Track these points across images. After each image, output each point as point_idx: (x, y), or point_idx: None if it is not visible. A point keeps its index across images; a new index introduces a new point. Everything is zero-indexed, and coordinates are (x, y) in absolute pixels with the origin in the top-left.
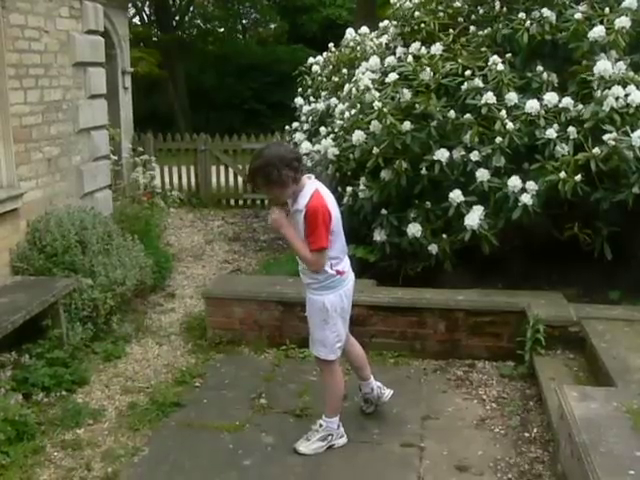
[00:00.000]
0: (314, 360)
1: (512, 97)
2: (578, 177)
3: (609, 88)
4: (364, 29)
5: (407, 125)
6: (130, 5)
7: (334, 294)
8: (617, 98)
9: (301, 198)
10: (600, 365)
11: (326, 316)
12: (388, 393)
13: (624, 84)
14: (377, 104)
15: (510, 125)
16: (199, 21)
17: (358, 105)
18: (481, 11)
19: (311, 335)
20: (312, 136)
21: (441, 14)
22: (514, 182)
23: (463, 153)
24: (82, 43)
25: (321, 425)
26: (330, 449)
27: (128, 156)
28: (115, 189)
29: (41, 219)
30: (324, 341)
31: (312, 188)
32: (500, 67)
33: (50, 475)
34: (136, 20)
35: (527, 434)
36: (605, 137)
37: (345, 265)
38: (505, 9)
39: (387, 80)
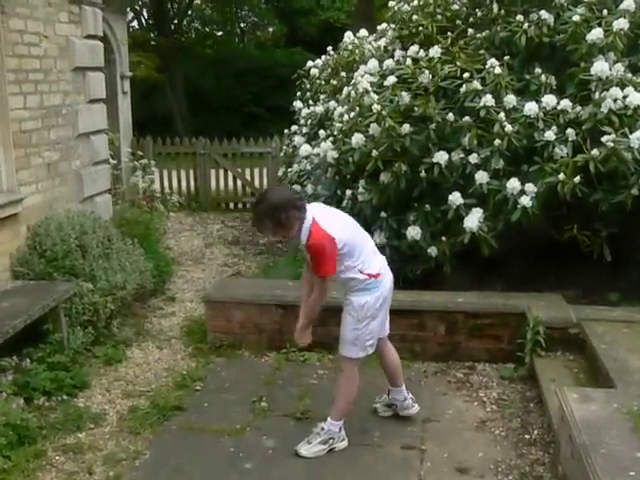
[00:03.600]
0: (338, 360)
1: (511, 99)
2: (577, 179)
3: (607, 90)
4: (362, 32)
5: (406, 128)
6: (128, 9)
7: (371, 295)
8: (615, 100)
9: (302, 234)
10: (600, 366)
11: (360, 316)
12: (416, 408)
13: (622, 86)
14: (376, 107)
15: (509, 127)
16: (197, 25)
17: (357, 108)
18: (479, 14)
19: (342, 336)
20: (311, 139)
21: (439, 17)
22: (513, 184)
23: (462, 155)
24: (81, 48)
25: (323, 428)
26: (331, 452)
27: (127, 160)
28: (115, 193)
29: (41, 224)
30: (355, 340)
31: (309, 221)
32: (498, 70)
33: (52, 479)
34: (134, 24)
35: (528, 436)
36: (604, 139)
37: (377, 267)
38: (503, 12)
39: (386, 83)
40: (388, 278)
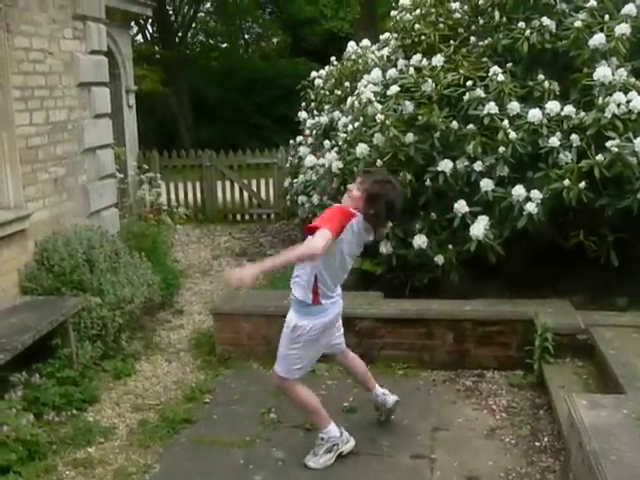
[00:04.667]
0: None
1: (514, 106)
2: (582, 184)
3: (611, 95)
4: (365, 42)
5: (410, 137)
6: (133, 23)
7: (309, 321)
8: (619, 105)
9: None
10: (609, 372)
11: (292, 337)
12: (392, 400)
13: (625, 90)
14: (380, 117)
15: (513, 134)
16: (202, 37)
17: (361, 118)
18: (481, 22)
19: (278, 349)
20: (316, 149)
21: (441, 26)
22: (518, 191)
23: (467, 163)
24: (86, 63)
25: (322, 438)
26: (341, 460)
27: (134, 174)
28: (121, 207)
29: (49, 239)
30: (284, 359)
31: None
32: (501, 77)
33: None
34: (139, 38)
35: (538, 443)
36: (608, 144)
37: (328, 298)
38: (505, 19)
39: (389, 92)
40: (332, 312)
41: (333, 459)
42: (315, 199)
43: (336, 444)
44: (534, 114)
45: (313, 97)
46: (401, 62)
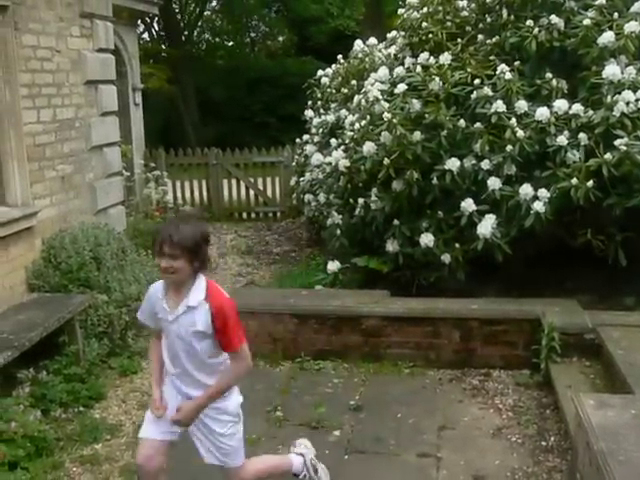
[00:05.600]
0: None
1: (522, 105)
2: (590, 183)
3: (619, 93)
4: (372, 40)
5: (417, 135)
6: (139, 22)
7: (236, 391)
8: (628, 103)
9: (194, 292)
10: (617, 372)
11: (238, 419)
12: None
13: (634, 89)
14: (387, 115)
15: (520, 133)
16: (208, 35)
17: (368, 116)
18: (489, 19)
19: (225, 454)
20: (323, 148)
21: (449, 24)
22: (526, 190)
23: (474, 162)
24: (93, 61)
25: (304, 475)
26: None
27: (140, 172)
28: (128, 205)
29: (56, 236)
30: (239, 446)
31: (202, 278)
32: (509, 75)
33: None
34: (145, 36)
35: (544, 443)
36: (616, 142)
37: None
38: (513, 17)
39: (396, 91)
40: None
41: (320, 467)
42: (322, 197)
43: (306, 461)
44: (542, 112)
45: (320, 95)
46: (408, 60)
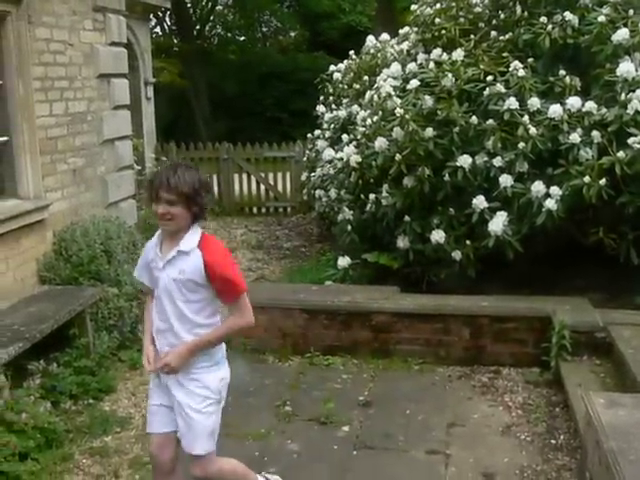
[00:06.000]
0: (194, 466)
1: (535, 102)
2: (603, 181)
3: (633, 91)
4: (385, 36)
5: (429, 131)
6: (151, 16)
7: (224, 367)
8: None
9: (188, 240)
10: (627, 371)
11: (221, 396)
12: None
13: None
14: (399, 111)
15: (533, 130)
16: (220, 30)
17: (380, 112)
18: (502, 16)
19: (195, 431)
20: (334, 143)
21: (462, 20)
22: (538, 187)
23: (486, 159)
24: (106, 55)
25: None
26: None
27: (151, 165)
28: (139, 199)
29: (67, 229)
30: (213, 430)
31: (198, 229)
32: (522, 72)
33: None
34: (157, 30)
35: (554, 441)
36: (630, 140)
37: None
38: (526, 13)
39: (409, 87)
40: None
41: None
42: (333, 193)
43: None
44: (555, 110)
45: (331, 91)
46: (421, 56)
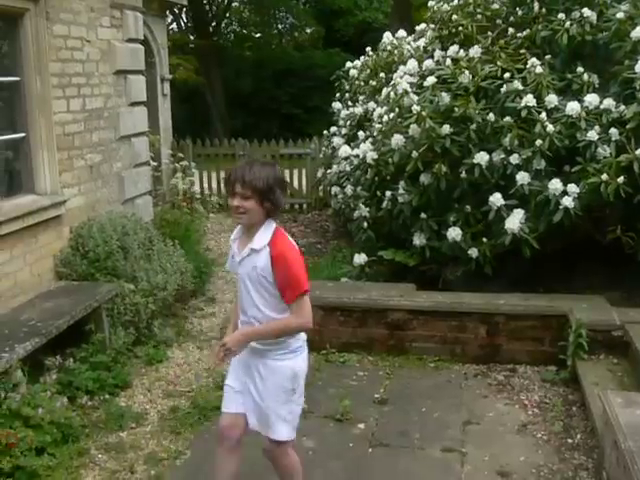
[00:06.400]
0: (267, 446)
1: (552, 99)
2: (620, 179)
3: None
4: (401, 33)
5: (446, 128)
6: (168, 12)
7: (301, 357)
8: None
9: (260, 236)
10: None
11: (295, 385)
12: None
13: None
14: (416, 108)
15: (550, 127)
16: (235, 27)
17: (397, 109)
18: (520, 13)
19: (267, 415)
20: (350, 140)
21: (479, 17)
22: (555, 185)
23: (503, 156)
24: (123, 51)
25: None
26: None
27: (168, 162)
28: (155, 195)
29: (84, 225)
30: (288, 416)
31: (273, 225)
32: (539, 69)
33: (95, 477)
34: (173, 27)
35: (570, 440)
36: None
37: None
38: (544, 10)
39: (425, 84)
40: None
41: None
42: (349, 190)
43: None
44: (572, 107)
45: (348, 88)
46: (438, 53)
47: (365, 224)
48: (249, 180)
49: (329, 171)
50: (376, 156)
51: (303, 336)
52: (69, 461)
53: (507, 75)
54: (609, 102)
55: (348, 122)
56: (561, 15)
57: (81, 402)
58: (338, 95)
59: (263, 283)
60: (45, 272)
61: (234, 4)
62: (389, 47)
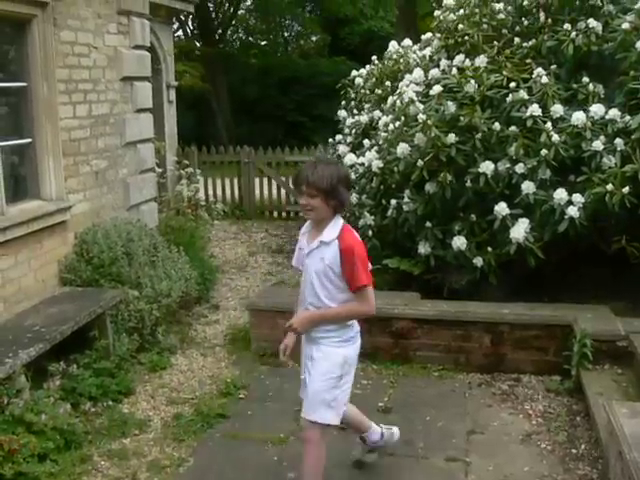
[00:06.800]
0: (305, 429)
1: (558, 109)
2: (626, 189)
3: None
4: (407, 41)
5: (452, 137)
6: (174, 19)
7: (353, 347)
8: None
9: (329, 231)
10: None
11: (343, 372)
12: (396, 430)
13: None
14: (421, 116)
15: (556, 137)
16: (241, 34)
17: (402, 117)
18: (525, 22)
19: (313, 397)
20: (355, 148)
21: (485, 26)
22: (560, 195)
23: (508, 165)
24: (129, 58)
25: None
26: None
27: (173, 169)
28: (160, 201)
29: (88, 231)
30: (332, 402)
31: (340, 221)
32: (545, 79)
33: None
34: (179, 34)
35: (575, 450)
36: None
37: None
38: (550, 20)
39: (431, 92)
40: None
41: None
42: (354, 198)
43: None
44: (578, 117)
45: (353, 96)
46: (444, 62)
47: (370, 232)
48: (313, 180)
49: None
50: (381, 164)
51: (357, 327)
52: (71, 468)
53: (513, 85)
54: (614, 112)
55: (353, 130)
56: (567, 25)
57: (84, 408)
58: (344, 103)
59: (328, 274)
60: (49, 278)
61: (240, 12)
62: (395, 56)
